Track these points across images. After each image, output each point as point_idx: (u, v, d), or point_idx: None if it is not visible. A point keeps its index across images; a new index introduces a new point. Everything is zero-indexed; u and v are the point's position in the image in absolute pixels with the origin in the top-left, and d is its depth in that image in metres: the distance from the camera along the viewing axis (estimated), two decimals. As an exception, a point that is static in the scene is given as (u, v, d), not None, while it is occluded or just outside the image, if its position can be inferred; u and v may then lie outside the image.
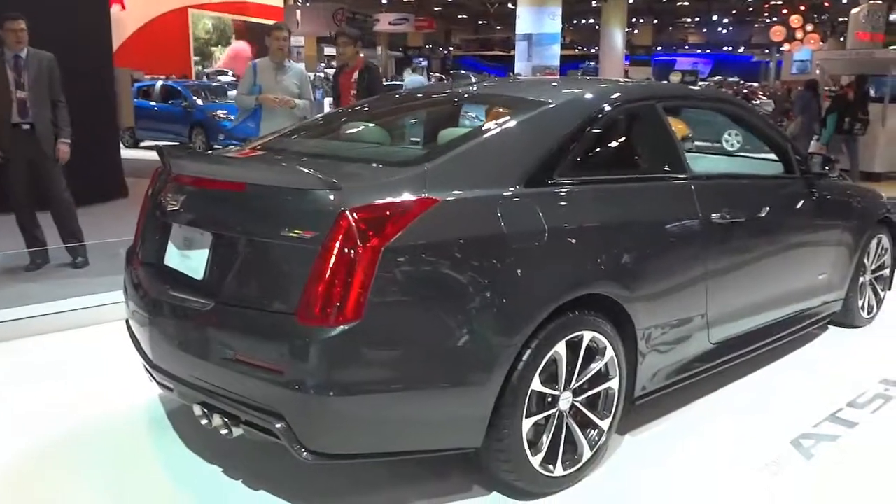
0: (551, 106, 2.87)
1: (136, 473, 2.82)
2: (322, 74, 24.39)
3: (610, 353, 2.73)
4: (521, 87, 3.46)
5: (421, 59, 40.52)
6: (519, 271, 2.42)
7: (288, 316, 2.22)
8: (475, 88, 3.50)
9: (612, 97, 3.04)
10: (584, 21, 43.67)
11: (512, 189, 2.52)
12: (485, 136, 2.67)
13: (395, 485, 2.71)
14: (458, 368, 2.32)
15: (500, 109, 2.96)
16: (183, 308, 2.54)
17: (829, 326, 4.52)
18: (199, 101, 14.63)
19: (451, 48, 49.52)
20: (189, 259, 2.64)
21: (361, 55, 6.17)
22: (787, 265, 3.69)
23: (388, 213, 2.23)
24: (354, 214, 2.19)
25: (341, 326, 2.15)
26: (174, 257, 2.73)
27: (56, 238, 5.70)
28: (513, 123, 2.76)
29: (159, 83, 15.53)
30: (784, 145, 3.87)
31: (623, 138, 3.13)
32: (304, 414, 2.22)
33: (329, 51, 37.59)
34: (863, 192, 4.54)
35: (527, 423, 2.50)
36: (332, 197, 2.25)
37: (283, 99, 5.77)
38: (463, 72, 30.44)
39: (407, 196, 2.29)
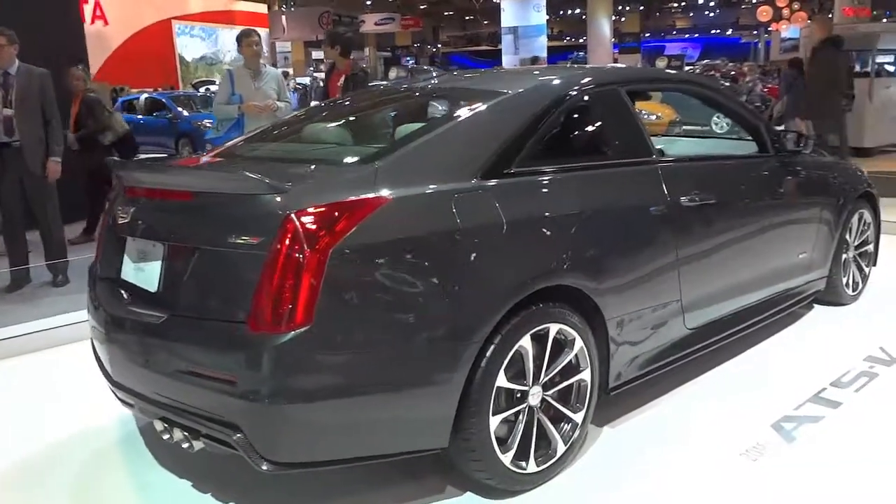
0: (508, 95, 2.82)
1: (106, 491, 2.77)
2: (311, 78, 24.42)
3: (579, 344, 2.68)
4: (479, 79, 3.40)
5: (409, 58, 40.42)
6: (476, 267, 2.36)
7: (240, 324, 2.17)
8: (434, 82, 3.44)
9: (571, 84, 2.98)
10: (570, 11, 43.54)
11: (467, 182, 2.46)
12: (438, 130, 2.62)
13: (367, 488, 2.66)
14: (417, 369, 2.27)
15: (457, 102, 2.89)
16: (139, 322, 2.49)
17: (814, 305, 4.47)
18: (185, 112, 14.57)
19: (439, 45, 49.36)
20: (143, 272, 2.58)
21: (350, 59, 6.06)
22: (764, 246, 3.63)
23: (335, 214, 2.17)
24: (300, 217, 2.14)
25: (292, 332, 2.10)
26: (130, 271, 2.67)
27: (37, 256, 5.65)
28: (467, 115, 2.71)
29: (144, 96, 15.47)
30: (755, 123, 3.80)
31: (584, 125, 3.06)
32: (259, 424, 2.17)
33: (317, 55, 37.46)
34: (841, 167, 4.48)
35: (494, 421, 2.44)
36: (277, 201, 2.19)
37: (266, 105, 5.72)
38: (426, 67, 30.26)
39: (355, 195, 2.23)
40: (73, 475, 2.90)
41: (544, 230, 2.57)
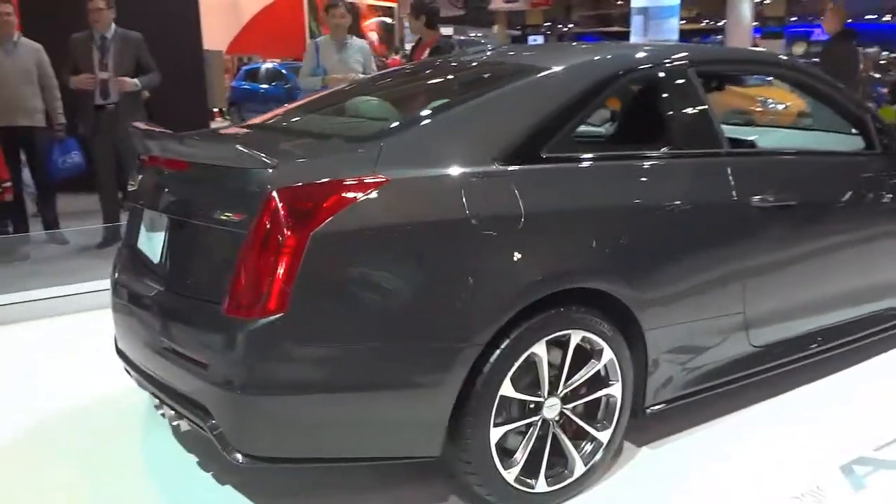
0: (551, 72, 2.52)
1: (115, 458, 2.73)
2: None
3: (608, 355, 2.37)
4: (532, 53, 3.09)
5: (537, 38, 39.64)
6: (482, 262, 2.11)
7: (216, 306, 2.03)
8: (482, 56, 3.16)
9: (632, 61, 2.65)
10: (711, -8, 41.27)
11: (484, 167, 2.20)
12: (458, 108, 2.38)
13: (367, 487, 2.49)
14: (403, 369, 2.05)
15: (495, 78, 2.62)
16: (140, 293, 2.43)
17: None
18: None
19: (570, 25, 48.18)
20: (151, 242, 2.51)
21: (437, 31, 5.87)
22: (858, 258, 3.15)
23: (321, 193, 1.98)
24: (282, 195, 1.96)
25: (264, 319, 1.93)
26: (143, 240, 2.60)
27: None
28: (498, 92, 2.44)
29: (264, 66, 15.88)
30: (861, 115, 3.30)
31: (638, 108, 2.73)
32: (228, 412, 2.03)
33: (446, 31, 37.23)
34: None
35: (496, 432, 2.20)
36: (263, 176, 2.02)
37: (347, 78, 5.63)
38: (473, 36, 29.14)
39: (349, 175, 2.03)
40: (87, 437, 2.89)
41: (571, 226, 2.28)
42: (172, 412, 2.31)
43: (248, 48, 19.54)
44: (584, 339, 2.32)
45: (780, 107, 11.10)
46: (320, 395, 2.02)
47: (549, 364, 2.30)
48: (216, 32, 17.96)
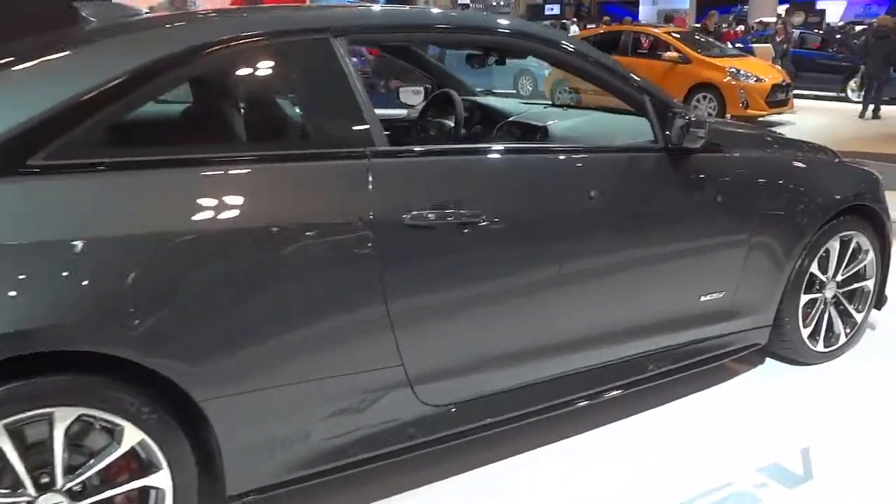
0: (82, 50, 1.87)
1: None
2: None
3: (135, 435, 1.74)
4: (133, 21, 2.31)
5: (554, 7, 38.16)
6: None
7: None
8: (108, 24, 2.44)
9: (228, 29, 1.94)
10: (740, -42, 39.34)
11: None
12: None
13: None
14: None
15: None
16: None
17: (765, 359, 3.17)
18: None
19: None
20: None
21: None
22: (601, 286, 2.41)
23: None
24: None
25: None
26: None
27: None
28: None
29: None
30: (639, 99, 2.55)
31: (230, 93, 2.04)
32: None
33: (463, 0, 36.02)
34: (812, 165, 3.05)
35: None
36: None
37: None
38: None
39: None
40: None
41: (39, 265, 1.61)
42: None
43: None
44: (84, 416, 1.68)
45: (752, 80, 10.13)
46: None
47: (53, 449, 1.68)
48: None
